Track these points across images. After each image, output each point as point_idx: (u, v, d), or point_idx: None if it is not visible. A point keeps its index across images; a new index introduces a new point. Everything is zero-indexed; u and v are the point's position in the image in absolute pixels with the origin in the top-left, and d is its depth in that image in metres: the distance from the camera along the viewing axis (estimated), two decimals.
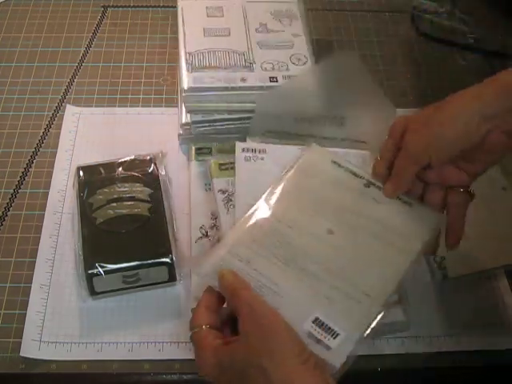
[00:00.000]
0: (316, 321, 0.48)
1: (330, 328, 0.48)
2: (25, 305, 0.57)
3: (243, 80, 0.66)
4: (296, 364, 0.42)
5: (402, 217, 0.56)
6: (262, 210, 0.56)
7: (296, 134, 0.66)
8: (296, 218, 0.56)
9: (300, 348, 0.43)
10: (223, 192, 0.62)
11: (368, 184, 0.58)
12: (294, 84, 0.65)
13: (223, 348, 0.45)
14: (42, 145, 0.70)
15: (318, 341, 0.47)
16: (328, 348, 0.47)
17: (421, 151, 0.51)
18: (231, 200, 0.61)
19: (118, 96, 0.75)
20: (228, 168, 0.64)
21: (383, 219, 0.56)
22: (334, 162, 0.60)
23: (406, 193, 0.56)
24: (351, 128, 0.67)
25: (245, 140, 0.65)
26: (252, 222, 0.55)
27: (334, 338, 0.48)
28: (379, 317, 0.50)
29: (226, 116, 0.66)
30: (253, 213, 0.56)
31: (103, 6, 0.86)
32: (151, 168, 0.63)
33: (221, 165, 0.64)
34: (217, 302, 0.48)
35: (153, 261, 0.56)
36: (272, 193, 0.57)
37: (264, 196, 0.57)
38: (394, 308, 0.55)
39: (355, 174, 0.59)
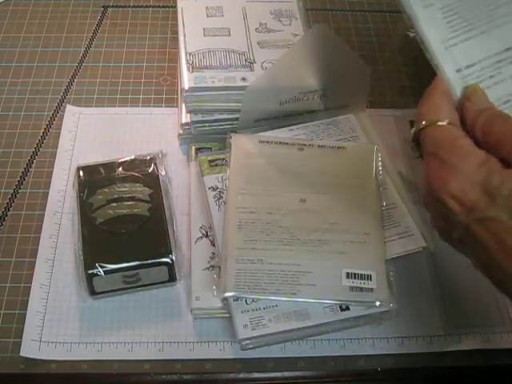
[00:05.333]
0: (348, 275, 0.53)
1: (361, 274, 0.54)
2: (25, 305, 0.57)
3: (243, 80, 0.66)
4: None
5: (345, 160, 0.61)
6: (234, 210, 0.58)
7: (282, 116, 0.67)
8: (265, 203, 0.58)
9: None
10: (214, 189, 0.62)
11: (301, 147, 0.62)
12: (277, 68, 0.65)
13: (494, 161, 0.32)
14: (42, 145, 0.70)
15: (361, 289, 0.53)
16: (371, 290, 0.53)
17: None
18: (222, 197, 0.61)
19: (118, 96, 0.75)
20: (218, 164, 0.64)
21: (332, 170, 0.61)
22: (261, 142, 0.63)
23: None
24: (333, 96, 0.68)
25: None
26: (234, 224, 0.57)
27: (370, 280, 0.53)
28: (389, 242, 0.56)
29: (226, 116, 0.66)
30: (229, 216, 0.57)
31: (103, 6, 0.86)
32: (151, 168, 0.63)
33: (210, 161, 0.64)
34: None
35: (153, 261, 0.56)
36: (230, 189, 0.59)
37: (226, 196, 0.59)
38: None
39: (286, 143, 0.62)
